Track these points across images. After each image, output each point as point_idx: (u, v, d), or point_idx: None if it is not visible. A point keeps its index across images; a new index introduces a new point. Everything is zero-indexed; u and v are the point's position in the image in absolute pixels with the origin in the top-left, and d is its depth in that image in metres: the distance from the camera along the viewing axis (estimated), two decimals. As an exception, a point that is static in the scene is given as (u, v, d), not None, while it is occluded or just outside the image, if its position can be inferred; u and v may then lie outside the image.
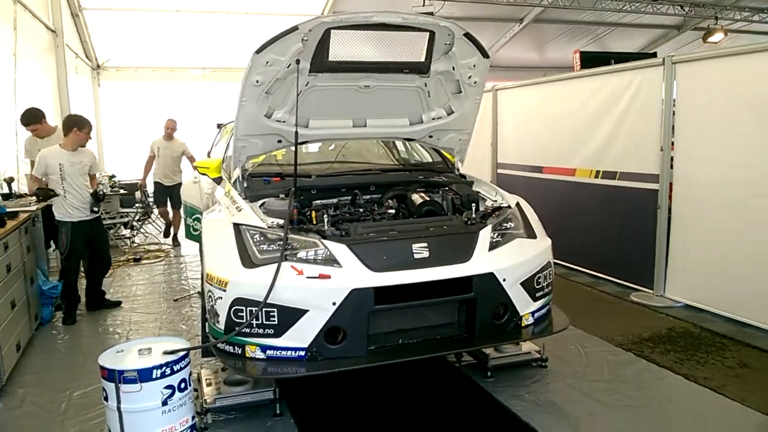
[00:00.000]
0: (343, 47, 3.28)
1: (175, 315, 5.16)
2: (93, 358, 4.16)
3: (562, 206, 6.05)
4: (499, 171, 7.38)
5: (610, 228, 5.68)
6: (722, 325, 4.54)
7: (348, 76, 3.45)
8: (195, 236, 5.06)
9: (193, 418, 2.73)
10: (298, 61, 3.21)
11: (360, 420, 3.26)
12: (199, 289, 5.71)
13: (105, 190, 6.61)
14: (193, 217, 5.04)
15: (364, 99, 3.61)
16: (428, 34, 3.33)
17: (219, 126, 5.92)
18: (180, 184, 7.75)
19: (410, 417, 3.30)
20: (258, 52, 3.14)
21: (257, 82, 3.27)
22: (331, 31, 3.16)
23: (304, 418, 3.24)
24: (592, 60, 7.82)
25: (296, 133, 3.34)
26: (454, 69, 3.57)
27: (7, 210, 4.45)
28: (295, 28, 3.08)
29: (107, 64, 11.49)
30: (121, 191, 8.39)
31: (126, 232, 8.13)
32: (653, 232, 5.17)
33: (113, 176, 8.99)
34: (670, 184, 5.05)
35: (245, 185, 3.68)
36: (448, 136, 4.01)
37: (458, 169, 4.22)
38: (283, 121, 3.55)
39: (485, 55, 3.53)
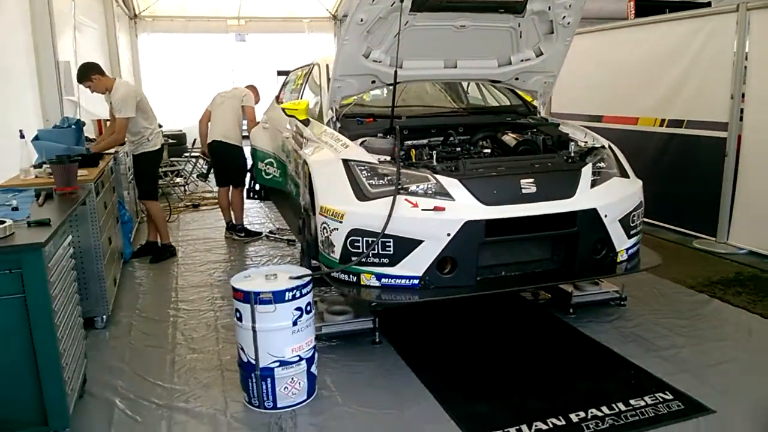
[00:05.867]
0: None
1: (250, 254, 5.35)
2: (185, 292, 4.40)
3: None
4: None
5: (672, 176, 5.71)
6: (789, 270, 4.63)
7: (446, 16, 3.47)
8: (267, 180, 5.18)
9: (316, 339, 2.90)
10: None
11: (452, 346, 3.44)
12: (267, 232, 5.90)
13: None
14: (266, 161, 5.14)
15: (457, 40, 3.63)
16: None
17: (280, 73, 5.94)
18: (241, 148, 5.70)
19: (502, 345, 3.46)
20: (366, -11, 3.17)
21: (361, 20, 3.30)
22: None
23: (401, 345, 3.42)
24: (646, 9, 7.71)
25: (395, 72, 3.40)
26: (549, 9, 3.58)
27: (92, 151, 4.60)
28: None
29: (144, 12, 11.41)
30: (169, 140, 8.54)
31: (179, 180, 8.28)
32: (719, 180, 5.20)
33: (160, 126, 9.10)
34: (739, 136, 5.05)
35: (339, 126, 3.76)
36: (533, 79, 4.04)
37: (539, 112, 4.26)
38: (380, 61, 3.60)
39: (581, -7, 3.53)
